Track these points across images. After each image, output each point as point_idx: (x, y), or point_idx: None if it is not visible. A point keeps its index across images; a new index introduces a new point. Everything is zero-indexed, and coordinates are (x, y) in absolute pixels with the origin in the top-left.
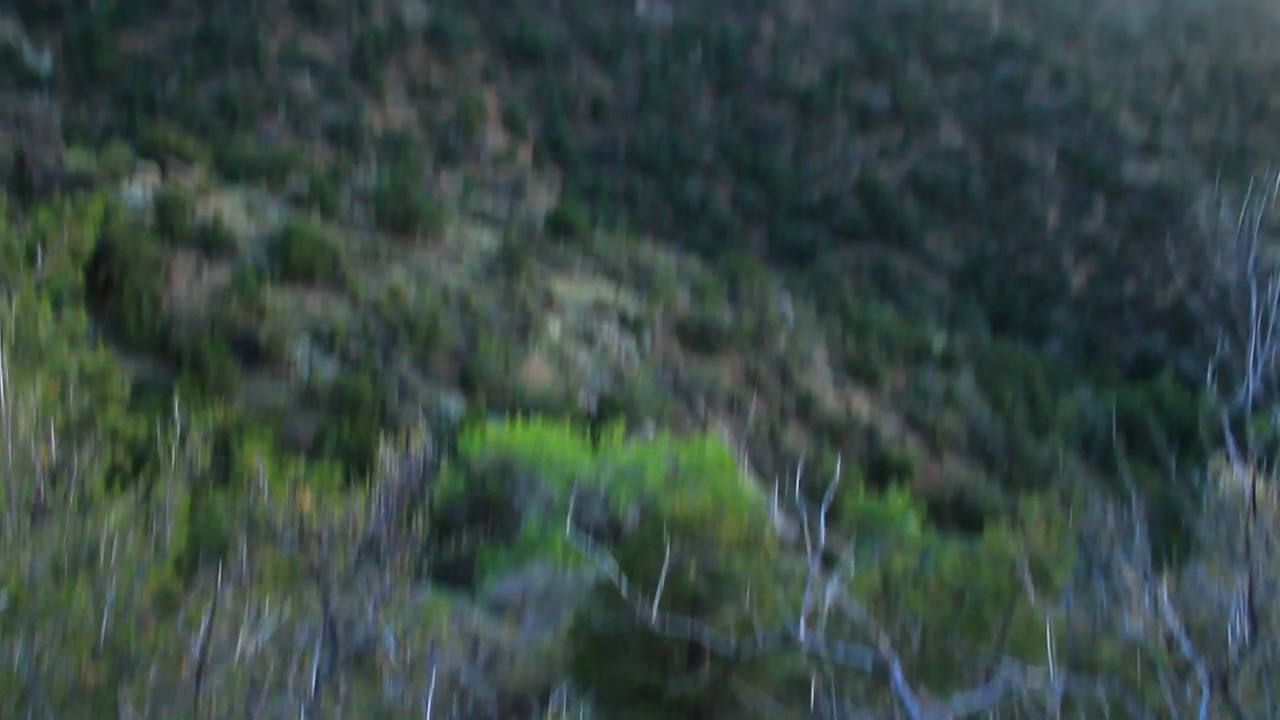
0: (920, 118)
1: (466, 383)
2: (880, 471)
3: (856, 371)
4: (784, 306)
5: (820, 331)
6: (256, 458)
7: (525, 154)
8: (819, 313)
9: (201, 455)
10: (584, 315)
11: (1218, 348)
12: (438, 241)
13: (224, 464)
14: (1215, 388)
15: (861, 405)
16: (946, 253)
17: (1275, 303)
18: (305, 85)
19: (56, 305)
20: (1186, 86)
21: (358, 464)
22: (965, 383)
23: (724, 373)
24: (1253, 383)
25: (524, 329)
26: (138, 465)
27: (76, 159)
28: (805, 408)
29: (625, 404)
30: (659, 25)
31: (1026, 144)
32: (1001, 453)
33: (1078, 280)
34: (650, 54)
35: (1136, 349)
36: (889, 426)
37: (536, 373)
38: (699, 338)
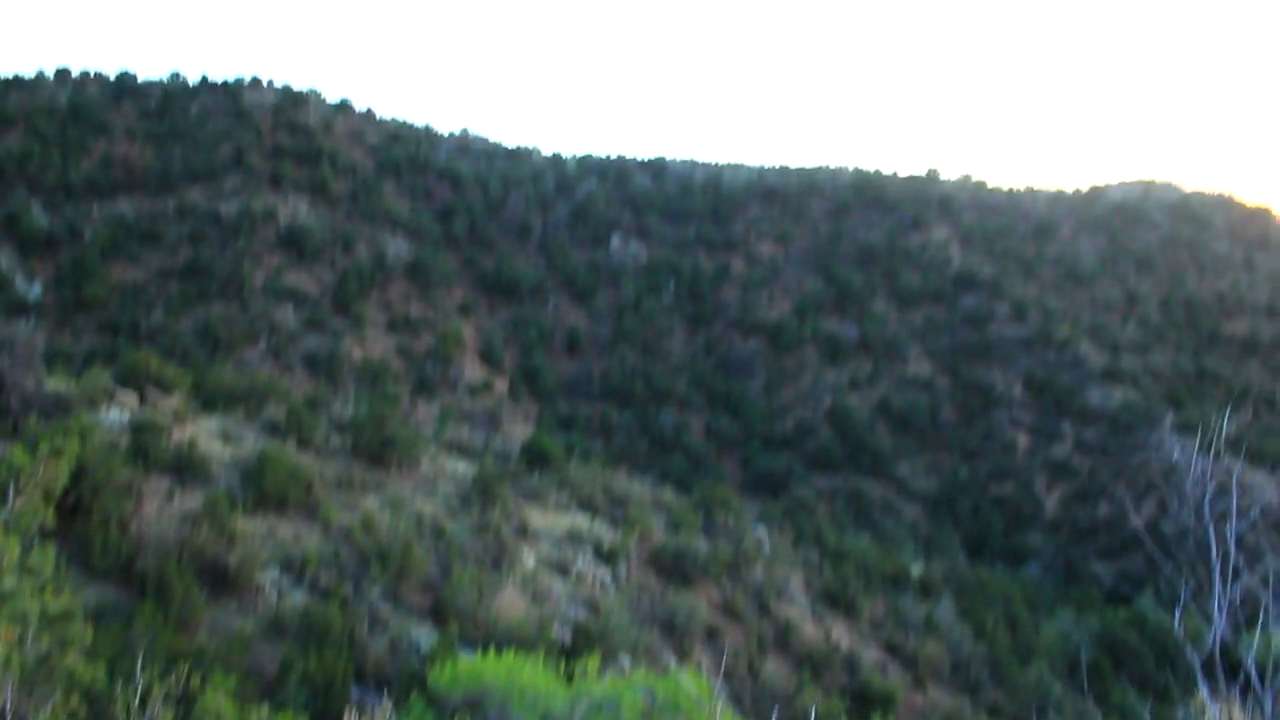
0: (888, 349)
1: (438, 613)
2: (862, 702)
3: (834, 600)
4: (760, 535)
5: (797, 560)
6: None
7: (502, 385)
8: (795, 541)
9: (161, 716)
10: (559, 545)
11: (1181, 594)
12: (413, 471)
13: (185, 704)
14: (1183, 632)
15: (841, 634)
16: (920, 479)
17: (1234, 544)
18: (287, 316)
19: (24, 543)
20: (1140, 317)
21: (324, 697)
22: (945, 609)
23: (701, 603)
24: (1220, 625)
25: (498, 559)
26: (94, 711)
27: (56, 383)
28: (784, 638)
29: (600, 635)
30: (633, 262)
31: (992, 373)
32: (985, 679)
33: (1051, 504)
34: (625, 290)
35: (1115, 570)
36: (870, 655)
37: (510, 603)
38: (675, 568)
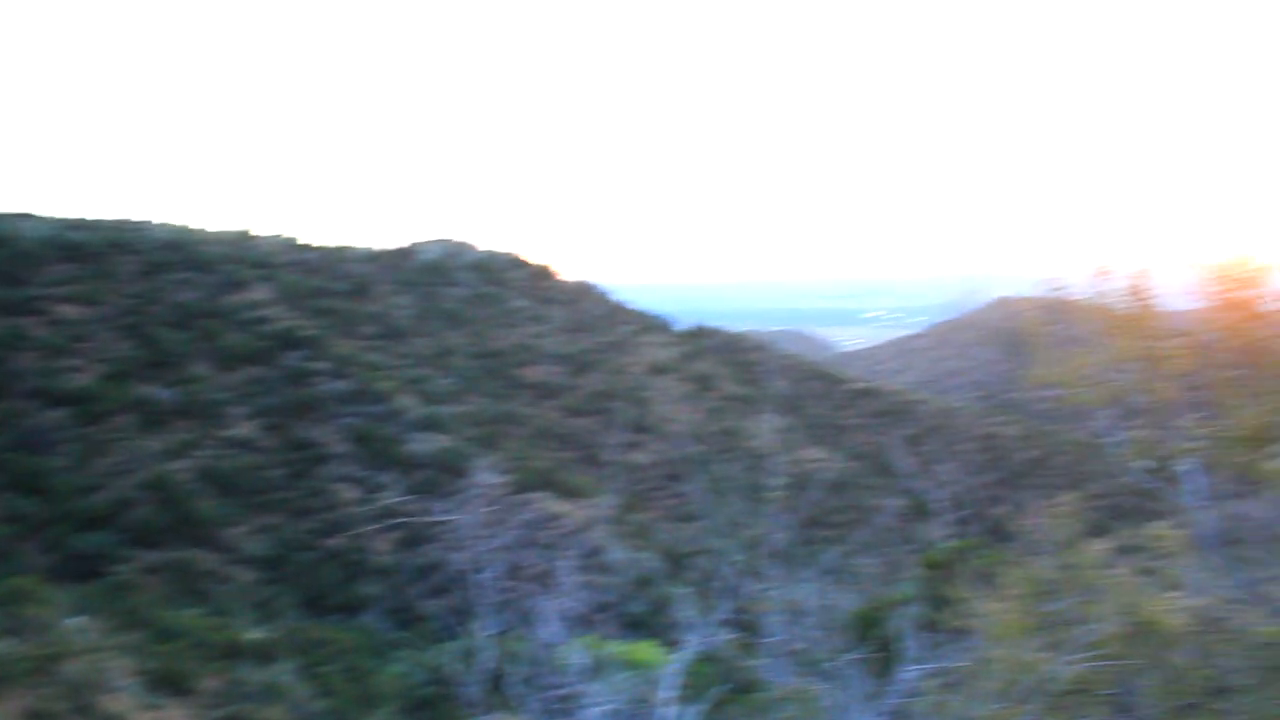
0: (210, 412)
1: None
2: None
3: (167, 681)
4: (76, 625)
5: (121, 646)
6: None
7: None
8: (119, 626)
9: None
10: None
11: (471, 626)
12: None
13: None
14: (463, 659)
15: (177, 717)
16: (250, 543)
17: (493, 591)
18: None
19: None
20: (452, 368)
21: None
22: (286, 671)
23: (7, 714)
24: (486, 662)
25: None
26: None
27: None
28: None
29: None
30: None
31: (318, 429)
32: None
33: (383, 551)
34: None
35: (446, 606)
36: None
37: None
38: None
